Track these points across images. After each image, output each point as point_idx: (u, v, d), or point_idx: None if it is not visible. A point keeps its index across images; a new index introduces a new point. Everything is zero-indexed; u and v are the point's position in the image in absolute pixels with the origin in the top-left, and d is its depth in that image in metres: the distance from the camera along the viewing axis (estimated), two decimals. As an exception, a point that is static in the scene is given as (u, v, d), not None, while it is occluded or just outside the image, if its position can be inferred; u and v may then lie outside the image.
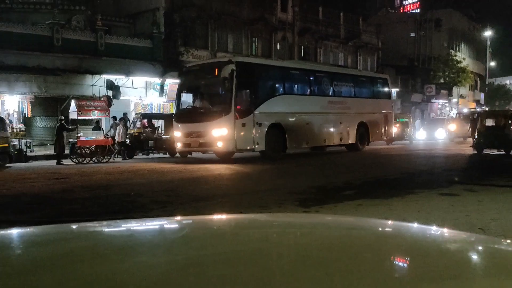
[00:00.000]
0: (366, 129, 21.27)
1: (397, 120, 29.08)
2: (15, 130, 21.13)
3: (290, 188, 9.69)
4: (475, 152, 19.02)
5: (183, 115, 16.62)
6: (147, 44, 27.58)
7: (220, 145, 15.21)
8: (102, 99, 22.59)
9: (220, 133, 15.01)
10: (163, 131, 21.70)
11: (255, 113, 15.71)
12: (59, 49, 24.11)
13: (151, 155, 21.16)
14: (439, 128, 34.41)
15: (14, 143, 18.99)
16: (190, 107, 17.21)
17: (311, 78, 19.38)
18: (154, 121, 22.58)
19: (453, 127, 31.12)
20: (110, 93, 23.52)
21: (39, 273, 1.07)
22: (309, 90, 19.26)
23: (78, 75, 24.24)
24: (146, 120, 21.46)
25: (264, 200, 8.30)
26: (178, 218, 2.53)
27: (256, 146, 15.80)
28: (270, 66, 18.78)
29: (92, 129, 20.31)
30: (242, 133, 15.31)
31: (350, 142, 20.49)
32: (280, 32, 36.03)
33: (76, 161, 17.57)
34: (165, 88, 21.05)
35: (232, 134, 14.98)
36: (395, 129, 27.09)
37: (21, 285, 0.99)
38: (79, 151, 17.89)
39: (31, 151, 21.12)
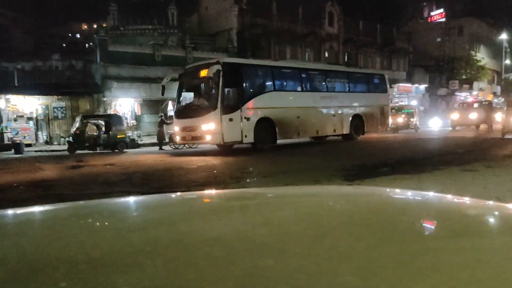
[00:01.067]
0: (361, 121, 18.67)
1: (403, 111, 26.21)
2: (129, 125, 22.36)
3: (335, 166, 9.34)
4: (495, 136, 17.64)
5: (180, 112, 15.07)
6: (224, 57, 28.21)
7: (208, 138, 13.74)
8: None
9: (208, 128, 13.59)
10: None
11: (243, 109, 13.93)
12: (159, 63, 25.22)
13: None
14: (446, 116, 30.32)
15: (129, 134, 19.96)
16: (186, 104, 15.72)
17: (302, 76, 16.84)
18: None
19: (455, 116, 26.58)
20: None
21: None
22: (300, 86, 16.74)
23: (173, 83, 25.17)
24: None
25: (315, 176, 8.24)
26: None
27: (245, 139, 13.97)
28: (257, 65, 16.18)
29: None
30: (229, 127, 13.52)
31: (344, 133, 18.04)
32: (327, 43, 35.67)
33: (173, 147, 17.70)
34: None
35: (219, 128, 13.43)
36: (400, 119, 25.00)
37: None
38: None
39: (141, 140, 21.85)
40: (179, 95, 15.63)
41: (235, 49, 28.82)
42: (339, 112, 17.77)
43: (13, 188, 7.97)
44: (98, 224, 1.09)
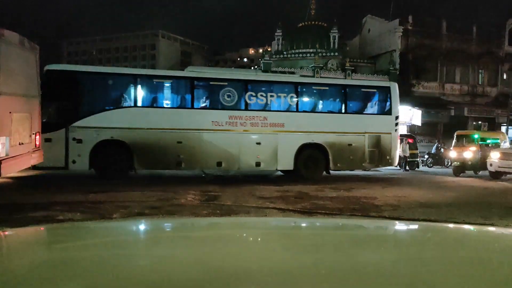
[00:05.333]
0: (321, 153, 12.88)
1: (483, 141, 16.61)
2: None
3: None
4: None
5: None
6: (384, 79, 27.24)
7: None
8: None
9: None
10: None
11: (72, 127, 11.01)
12: (318, 85, 25.64)
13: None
14: None
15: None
16: None
17: (194, 88, 12.52)
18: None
19: None
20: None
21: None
22: (186, 102, 12.46)
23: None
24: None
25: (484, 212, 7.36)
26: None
27: (73, 165, 10.99)
28: (104, 73, 12.70)
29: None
30: (46, 149, 9.85)
31: (285, 168, 12.86)
32: (507, 64, 31.34)
33: None
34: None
35: None
36: (469, 154, 15.52)
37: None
38: None
39: None
40: None
41: (397, 71, 27.57)
42: (271, 138, 12.47)
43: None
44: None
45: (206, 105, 12.68)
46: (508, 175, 14.47)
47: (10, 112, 7.11)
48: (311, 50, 29.88)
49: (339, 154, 12.95)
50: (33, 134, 8.24)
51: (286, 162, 12.59)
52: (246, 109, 12.47)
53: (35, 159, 8.31)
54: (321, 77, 25.77)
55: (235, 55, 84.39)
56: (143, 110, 11.88)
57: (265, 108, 12.77)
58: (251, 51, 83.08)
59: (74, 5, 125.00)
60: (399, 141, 13.75)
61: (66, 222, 5.88)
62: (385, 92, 13.76)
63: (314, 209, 7.90)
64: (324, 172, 13.22)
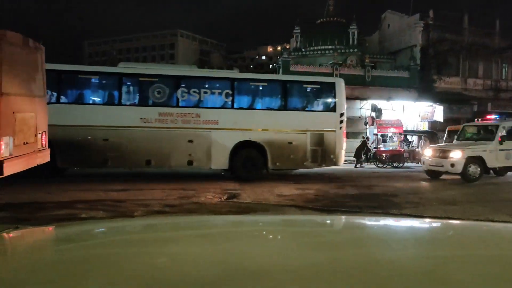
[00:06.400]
0: (259, 151, 12.25)
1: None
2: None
3: None
4: None
5: None
6: (404, 74, 26.89)
7: None
8: (367, 119, 22.82)
9: None
10: (416, 145, 20.78)
11: None
12: (337, 82, 25.43)
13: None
14: None
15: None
16: None
17: (120, 85, 11.98)
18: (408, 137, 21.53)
19: None
20: (373, 114, 23.62)
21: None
22: (114, 99, 11.96)
23: (350, 101, 25.02)
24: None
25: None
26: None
27: None
28: None
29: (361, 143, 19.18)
30: None
31: (219, 167, 12.33)
32: (532, 57, 30.41)
33: (377, 165, 17.89)
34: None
35: None
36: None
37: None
38: (378, 157, 18.27)
39: None
40: None
41: (418, 67, 27.10)
42: (204, 136, 11.93)
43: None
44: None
45: (134, 102, 12.25)
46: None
47: (13, 112, 7.16)
48: (330, 47, 29.59)
49: (278, 153, 12.31)
50: (39, 133, 8.24)
51: (220, 160, 12.04)
52: (177, 105, 11.93)
53: (41, 158, 8.29)
54: (340, 73, 25.53)
55: (253, 53, 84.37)
56: (67, 107, 11.43)
57: (198, 105, 12.21)
58: (269, 49, 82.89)
59: (96, 7, 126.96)
60: (344, 138, 12.86)
61: (88, 220, 5.96)
62: (330, 88, 12.99)
63: (333, 206, 7.83)
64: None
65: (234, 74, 13.70)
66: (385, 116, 23.69)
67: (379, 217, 4.03)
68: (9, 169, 6.90)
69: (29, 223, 5.63)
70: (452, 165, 11.96)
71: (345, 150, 12.87)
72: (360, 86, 25.37)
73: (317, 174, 13.81)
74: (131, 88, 12.46)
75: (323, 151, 12.48)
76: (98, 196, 8.37)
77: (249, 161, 12.18)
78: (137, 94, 12.39)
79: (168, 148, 11.68)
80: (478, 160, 12.04)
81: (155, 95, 11.90)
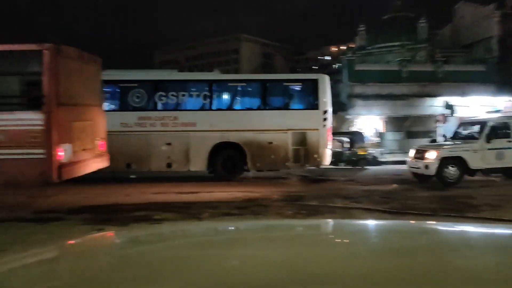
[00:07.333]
0: (239, 152, 12.07)
1: None
2: (371, 142, 22.40)
3: None
4: None
5: None
6: (480, 68, 25.15)
7: None
8: (439, 117, 21.72)
9: None
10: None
11: None
12: (405, 79, 24.50)
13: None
14: None
15: (371, 152, 20.02)
16: None
17: None
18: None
19: None
20: (447, 112, 22.43)
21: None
22: None
23: (419, 99, 24.00)
24: None
25: None
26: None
27: None
28: None
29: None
30: None
31: (193, 169, 12.13)
32: None
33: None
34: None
35: None
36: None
37: None
38: None
39: (383, 158, 21.73)
40: None
41: (495, 59, 25.25)
42: (183, 138, 11.91)
43: (267, 198, 9.08)
44: None
45: (114, 107, 12.30)
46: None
47: (71, 121, 7.71)
48: (397, 43, 28.56)
49: (258, 153, 12.04)
50: (97, 140, 8.74)
51: (199, 162, 12.04)
52: (155, 109, 12.08)
53: (99, 163, 8.81)
54: (409, 70, 24.54)
55: (316, 54, 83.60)
56: None
57: (176, 107, 12.33)
58: (333, 49, 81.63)
59: (165, 18, 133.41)
60: (330, 137, 12.37)
61: (161, 221, 6.33)
62: (312, 86, 12.47)
63: (403, 209, 7.58)
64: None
65: (212, 75, 13.52)
66: (459, 113, 22.38)
67: (454, 222, 3.84)
68: (67, 174, 7.44)
69: (110, 223, 6.13)
70: (426, 166, 10.91)
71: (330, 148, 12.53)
72: (430, 82, 24.20)
73: (382, 174, 13.47)
74: (111, 94, 12.41)
75: (306, 150, 12.09)
76: (170, 198, 8.84)
77: (230, 162, 12.17)
78: (117, 100, 12.52)
79: (147, 151, 11.85)
80: (457, 160, 10.86)
81: (134, 100, 12.15)
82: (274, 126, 12.09)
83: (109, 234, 1.61)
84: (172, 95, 12.30)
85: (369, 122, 25.77)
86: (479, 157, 10.81)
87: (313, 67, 76.38)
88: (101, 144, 8.96)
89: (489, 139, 10.84)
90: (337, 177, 13.03)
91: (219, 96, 12.91)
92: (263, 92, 12.64)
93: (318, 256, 1.12)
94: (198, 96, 12.52)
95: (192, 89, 12.67)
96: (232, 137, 12.07)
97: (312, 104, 12.43)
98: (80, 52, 8.32)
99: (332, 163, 17.94)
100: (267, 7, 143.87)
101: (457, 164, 10.80)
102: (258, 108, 12.55)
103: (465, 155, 10.78)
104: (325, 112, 12.22)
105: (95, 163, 8.67)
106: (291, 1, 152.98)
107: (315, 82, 12.45)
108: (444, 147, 11.62)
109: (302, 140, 12.07)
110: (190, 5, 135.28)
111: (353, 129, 23.97)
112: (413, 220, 5.35)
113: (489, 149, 10.83)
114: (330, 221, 2.90)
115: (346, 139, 18.78)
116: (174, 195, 9.24)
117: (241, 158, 12.12)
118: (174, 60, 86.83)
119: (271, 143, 12.07)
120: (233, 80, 13.65)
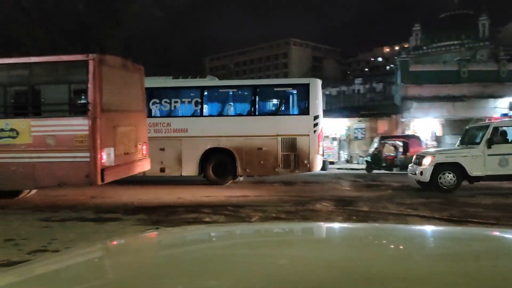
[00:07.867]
0: (229, 158, 12.06)
1: None
2: (428, 146, 21.56)
3: None
4: None
5: None
6: (550, 66, 23.48)
7: None
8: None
9: None
10: None
11: None
12: (465, 80, 23.40)
13: None
14: None
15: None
16: None
17: None
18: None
19: None
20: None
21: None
22: None
23: (481, 100, 22.80)
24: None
25: None
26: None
27: None
28: None
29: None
30: None
31: (185, 174, 12.26)
32: None
33: None
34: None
35: None
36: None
37: None
38: None
39: None
40: None
41: None
42: (175, 144, 12.17)
43: (319, 201, 8.98)
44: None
45: None
46: None
47: (114, 126, 8.08)
48: (455, 42, 27.40)
49: (247, 159, 12.06)
50: (139, 144, 9.11)
51: (190, 167, 12.26)
52: (150, 116, 11.97)
53: (141, 166, 9.21)
54: (468, 70, 23.37)
55: (368, 56, 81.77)
56: None
57: (169, 114, 12.63)
58: (386, 50, 79.48)
59: (216, 24, 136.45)
60: (320, 143, 12.03)
61: (212, 224, 6.43)
62: (303, 90, 12.29)
63: (463, 217, 7.18)
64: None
65: (204, 82, 13.46)
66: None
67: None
68: (110, 177, 7.80)
69: (162, 224, 6.31)
70: (421, 173, 10.38)
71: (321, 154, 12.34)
72: (493, 82, 22.89)
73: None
74: None
75: (295, 156, 11.93)
76: (220, 201, 8.97)
77: (221, 167, 12.31)
78: None
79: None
80: (454, 167, 10.15)
81: None
82: (263, 131, 12.09)
83: (161, 233, 1.70)
84: (165, 101, 12.71)
85: (425, 125, 24.88)
86: (479, 163, 10.15)
87: (365, 69, 74.81)
88: (143, 148, 9.36)
89: (490, 144, 10.12)
90: (390, 182, 12.64)
91: (210, 102, 13.13)
92: (253, 98, 12.69)
93: (366, 259, 1.12)
94: (189, 102, 12.82)
95: (184, 96, 12.94)
96: (223, 143, 12.25)
97: (303, 109, 12.34)
98: (123, 60, 8.75)
99: (385, 167, 17.60)
100: (318, 10, 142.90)
101: (454, 171, 10.26)
102: (248, 114, 12.67)
103: (463, 161, 10.21)
104: (316, 117, 12.08)
105: (137, 166, 9.07)
106: (343, 4, 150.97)
107: (306, 87, 12.33)
108: (440, 152, 11.18)
109: (291, 146, 12.01)
110: (242, 12, 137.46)
111: (409, 132, 23.25)
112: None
113: (490, 155, 10.11)
114: (379, 225, 2.88)
115: (399, 143, 18.31)
116: (224, 198, 9.36)
117: (231, 163, 12.27)
118: (224, 66, 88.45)
119: (260, 148, 12.10)
120: (224, 86, 13.82)
